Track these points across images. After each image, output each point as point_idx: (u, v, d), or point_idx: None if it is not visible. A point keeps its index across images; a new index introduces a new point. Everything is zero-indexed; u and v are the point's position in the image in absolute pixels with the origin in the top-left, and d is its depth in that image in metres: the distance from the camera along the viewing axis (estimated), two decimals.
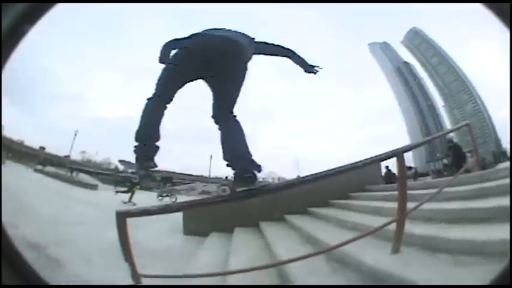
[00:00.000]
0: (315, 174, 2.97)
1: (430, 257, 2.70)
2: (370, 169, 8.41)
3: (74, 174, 26.20)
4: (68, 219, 6.44)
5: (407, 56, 75.76)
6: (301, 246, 4.36)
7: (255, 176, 2.60)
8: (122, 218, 2.56)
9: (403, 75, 74.95)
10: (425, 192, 4.34)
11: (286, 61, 2.95)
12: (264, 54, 3.05)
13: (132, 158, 2.57)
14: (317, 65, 3.04)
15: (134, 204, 12.72)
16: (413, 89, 72.60)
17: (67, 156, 32.44)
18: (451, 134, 10.32)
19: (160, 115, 2.60)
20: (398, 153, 2.99)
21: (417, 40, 73.52)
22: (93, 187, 21.07)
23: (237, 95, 2.83)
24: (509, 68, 1.99)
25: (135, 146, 2.57)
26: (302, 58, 3.03)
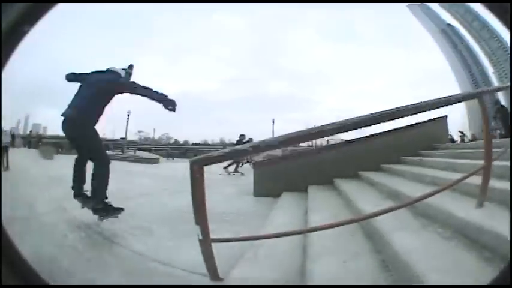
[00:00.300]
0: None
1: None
2: (438, 127, 8.50)
3: (132, 152, 27.04)
4: (128, 194, 6.34)
5: (448, 18, 72.12)
6: (382, 200, 4.18)
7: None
8: (198, 165, 2.24)
9: (450, 37, 71.48)
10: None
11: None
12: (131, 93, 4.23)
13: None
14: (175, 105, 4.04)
15: (242, 174, 12.37)
16: (462, 52, 69.26)
17: (123, 138, 33.17)
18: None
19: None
20: (479, 94, 2.89)
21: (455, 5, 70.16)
22: (155, 161, 21.26)
23: (93, 146, 4.29)
24: (509, 67, 1.90)
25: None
26: (163, 98, 4.05)
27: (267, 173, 7.87)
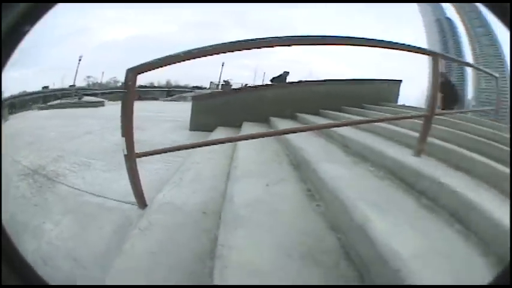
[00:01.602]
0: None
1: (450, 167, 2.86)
2: (390, 88, 9.00)
3: (78, 98, 26.67)
4: (73, 134, 6.80)
5: (452, 13, 73.46)
6: (313, 137, 4.49)
7: None
8: (133, 73, 2.49)
9: (442, 27, 72.34)
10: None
11: None
12: None
13: None
14: None
15: None
16: (448, 43, 70.45)
17: (72, 86, 32.80)
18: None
19: None
20: (436, 54, 3.17)
21: (470, 7, 70.82)
22: (100, 104, 21.37)
23: None
24: (509, 67, 1.98)
25: None
26: None
27: (204, 108, 8.02)
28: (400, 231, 1.79)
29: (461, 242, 1.77)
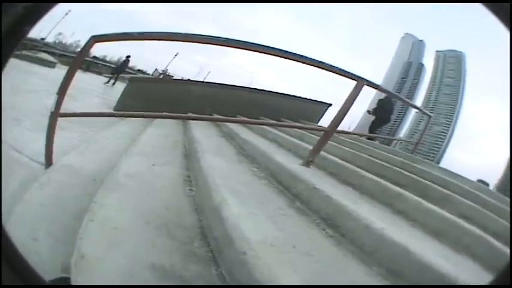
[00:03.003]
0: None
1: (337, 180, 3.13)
2: (316, 109, 9.54)
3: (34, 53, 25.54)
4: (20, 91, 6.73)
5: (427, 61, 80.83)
6: (217, 136, 4.97)
7: None
8: (94, 40, 2.86)
9: (408, 70, 79.85)
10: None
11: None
12: None
13: None
14: None
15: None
16: (405, 84, 77.94)
17: (43, 39, 31.36)
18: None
19: None
20: (360, 80, 3.27)
21: (451, 60, 77.88)
22: (52, 64, 20.66)
23: None
24: (509, 68, 2.01)
25: None
26: None
27: (134, 91, 8.22)
28: (255, 220, 1.89)
29: (328, 244, 1.90)
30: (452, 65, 76.13)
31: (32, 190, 2.41)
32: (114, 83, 16.29)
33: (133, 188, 2.35)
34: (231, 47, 3.02)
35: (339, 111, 3.34)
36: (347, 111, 3.32)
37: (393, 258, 1.70)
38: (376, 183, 2.91)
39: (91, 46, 2.89)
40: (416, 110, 10.30)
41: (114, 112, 3.54)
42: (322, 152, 3.43)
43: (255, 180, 2.85)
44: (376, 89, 3.73)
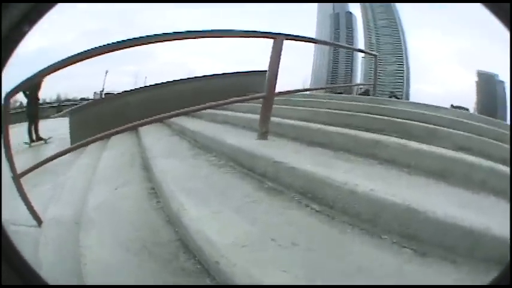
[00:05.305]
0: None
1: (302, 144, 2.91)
2: (256, 79, 8.31)
3: None
4: None
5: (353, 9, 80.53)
6: (168, 136, 4.81)
7: None
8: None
9: (338, 21, 78.84)
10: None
11: None
12: None
13: None
14: None
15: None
16: (340, 35, 77.09)
17: None
18: None
19: None
20: (278, 36, 3.07)
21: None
22: None
23: None
24: (509, 68, 2.14)
25: None
26: None
27: (79, 121, 7.91)
28: (218, 219, 1.75)
29: (317, 222, 1.68)
30: (381, 7, 76.08)
31: (42, 252, 2.37)
32: (36, 138, 9.59)
33: (105, 220, 2.33)
34: (148, 43, 2.88)
35: (268, 73, 3.17)
36: (277, 72, 3.15)
37: (401, 220, 1.48)
38: (345, 136, 2.69)
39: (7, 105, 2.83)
40: (363, 55, 10.44)
41: (68, 148, 3.23)
42: (277, 119, 3.25)
43: (215, 171, 2.68)
44: (298, 40, 3.64)
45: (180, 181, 2.34)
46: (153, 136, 4.59)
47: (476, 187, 1.86)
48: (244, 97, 3.36)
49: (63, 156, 3.99)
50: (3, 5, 1.06)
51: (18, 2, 1.14)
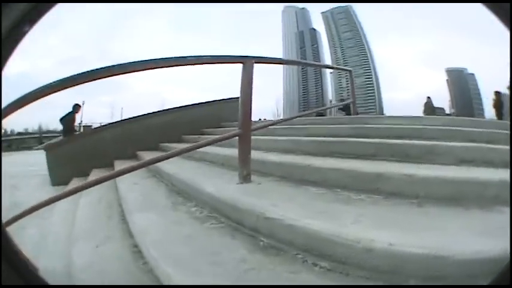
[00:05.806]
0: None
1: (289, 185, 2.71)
2: (229, 107, 8.81)
3: None
4: None
5: (316, 25, 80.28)
6: (144, 179, 4.63)
7: None
8: None
9: (303, 39, 78.71)
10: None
11: None
12: None
13: None
14: None
15: None
16: (306, 52, 75.64)
17: None
18: None
19: None
20: (247, 60, 2.96)
21: (341, 16, 78.33)
22: None
23: None
24: (509, 68, 2.11)
25: None
26: None
27: (57, 158, 7.98)
28: None
29: None
30: (343, 20, 78.64)
31: None
32: None
33: (98, 282, 2.17)
34: (116, 74, 2.60)
35: (240, 105, 2.99)
36: (250, 100, 2.98)
37: (427, 269, 1.38)
38: (340, 171, 2.50)
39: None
40: (331, 71, 10.52)
41: (51, 198, 2.89)
42: (257, 154, 3.08)
43: (197, 227, 2.40)
44: (268, 62, 3.51)
45: (162, 245, 2.11)
46: (129, 180, 4.32)
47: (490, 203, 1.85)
48: (219, 136, 3.10)
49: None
50: (3, 5, 1.09)
51: (18, 2, 1.17)
